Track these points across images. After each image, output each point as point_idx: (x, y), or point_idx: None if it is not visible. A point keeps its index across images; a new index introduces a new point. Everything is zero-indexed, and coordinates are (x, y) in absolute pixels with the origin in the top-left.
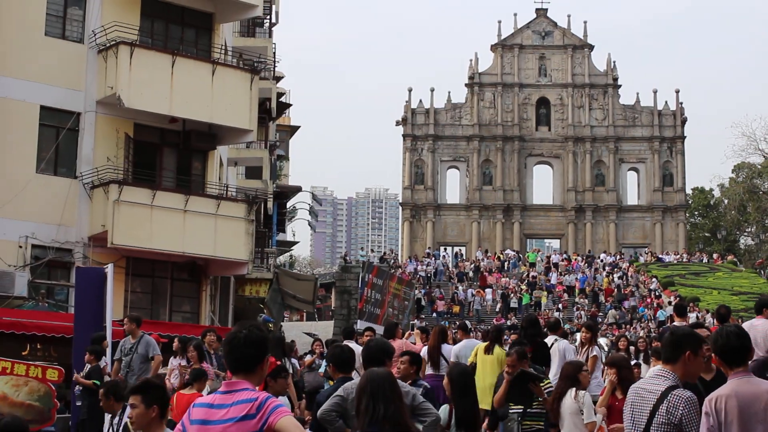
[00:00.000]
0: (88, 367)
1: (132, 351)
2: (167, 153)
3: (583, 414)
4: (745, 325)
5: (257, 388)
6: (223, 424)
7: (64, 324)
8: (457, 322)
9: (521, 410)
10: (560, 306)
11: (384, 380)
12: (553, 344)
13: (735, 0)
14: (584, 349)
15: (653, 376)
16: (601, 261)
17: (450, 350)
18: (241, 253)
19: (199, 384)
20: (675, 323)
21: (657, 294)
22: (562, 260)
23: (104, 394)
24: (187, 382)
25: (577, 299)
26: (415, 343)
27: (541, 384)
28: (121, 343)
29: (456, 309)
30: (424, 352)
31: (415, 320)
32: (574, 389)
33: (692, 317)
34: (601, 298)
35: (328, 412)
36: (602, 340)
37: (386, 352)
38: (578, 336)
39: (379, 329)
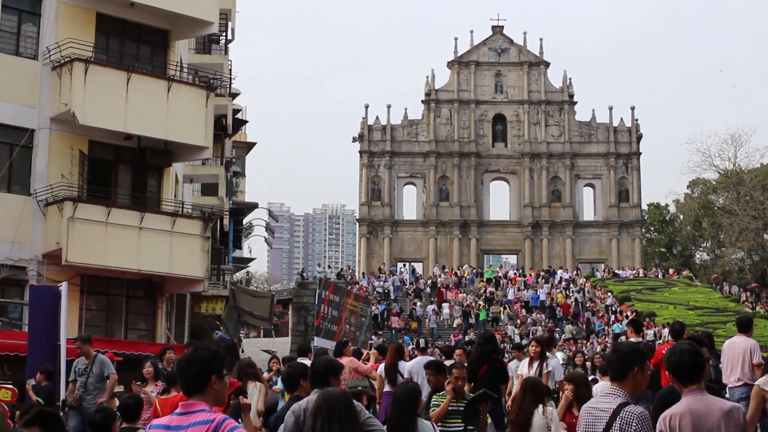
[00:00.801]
0: (36, 386)
1: (87, 371)
2: (122, 170)
3: (551, 430)
4: (726, 344)
5: (215, 408)
6: None
7: (17, 342)
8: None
9: (462, 429)
10: (518, 322)
11: (339, 401)
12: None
13: (688, 19)
14: (536, 363)
15: (603, 395)
16: (560, 277)
17: (403, 367)
18: (197, 270)
19: (177, 386)
20: (630, 339)
21: (613, 309)
22: (515, 275)
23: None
24: (164, 390)
25: (534, 315)
26: (368, 362)
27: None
28: (74, 364)
29: (414, 325)
30: (381, 369)
31: (373, 336)
32: (541, 406)
33: (649, 334)
34: (559, 314)
35: None
36: (559, 355)
37: (332, 370)
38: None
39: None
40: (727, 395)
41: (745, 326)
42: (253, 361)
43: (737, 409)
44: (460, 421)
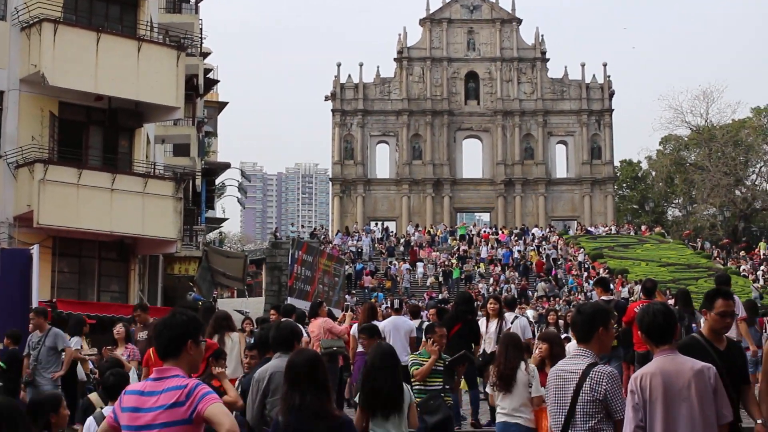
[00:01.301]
0: (2, 350)
1: (39, 344)
2: (93, 131)
3: (531, 387)
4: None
5: (192, 374)
6: (153, 412)
7: None
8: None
9: (441, 387)
10: (491, 280)
11: (302, 367)
12: (514, 321)
13: None
14: (494, 321)
15: (571, 357)
16: (533, 235)
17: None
18: (170, 231)
19: None
20: (602, 298)
21: (586, 266)
22: (486, 233)
23: None
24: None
25: (507, 273)
26: (343, 322)
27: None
28: (29, 338)
29: (388, 284)
30: (354, 330)
31: (347, 296)
32: (523, 362)
33: (624, 291)
34: (532, 271)
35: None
36: (530, 313)
37: (296, 333)
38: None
39: (308, 305)
40: None
41: (725, 284)
42: (228, 313)
43: (708, 368)
44: (440, 379)
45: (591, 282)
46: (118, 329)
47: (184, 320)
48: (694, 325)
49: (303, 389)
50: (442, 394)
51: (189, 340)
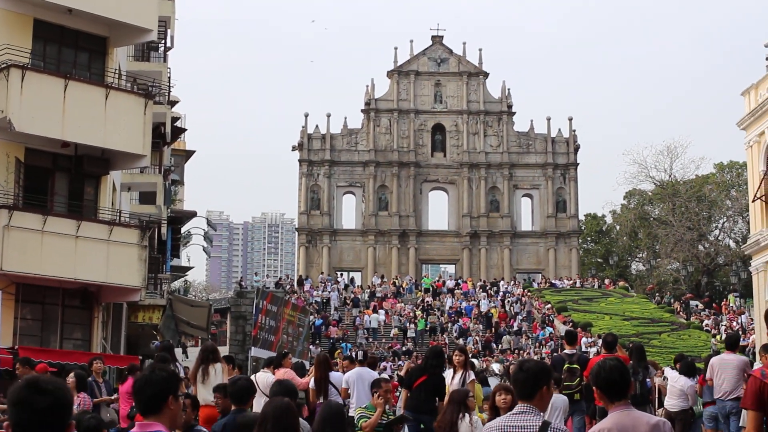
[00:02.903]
0: None
1: None
2: (59, 178)
3: None
4: (715, 360)
5: (173, 429)
6: None
7: None
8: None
9: None
10: (454, 332)
11: (271, 414)
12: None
13: (627, 32)
14: (460, 373)
15: (518, 414)
16: (503, 291)
17: (340, 378)
18: (134, 279)
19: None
20: (566, 351)
21: (550, 319)
22: (440, 282)
23: None
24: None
25: (471, 325)
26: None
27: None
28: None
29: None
30: (312, 383)
31: (311, 347)
32: (467, 414)
33: (589, 342)
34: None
35: None
36: (496, 366)
37: (291, 392)
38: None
39: (272, 355)
40: (708, 408)
41: (734, 344)
42: (215, 346)
43: (663, 423)
44: None
45: (549, 329)
46: (69, 379)
47: (163, 377)
48: (648, 379)
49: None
50: None
51: (169, 396)
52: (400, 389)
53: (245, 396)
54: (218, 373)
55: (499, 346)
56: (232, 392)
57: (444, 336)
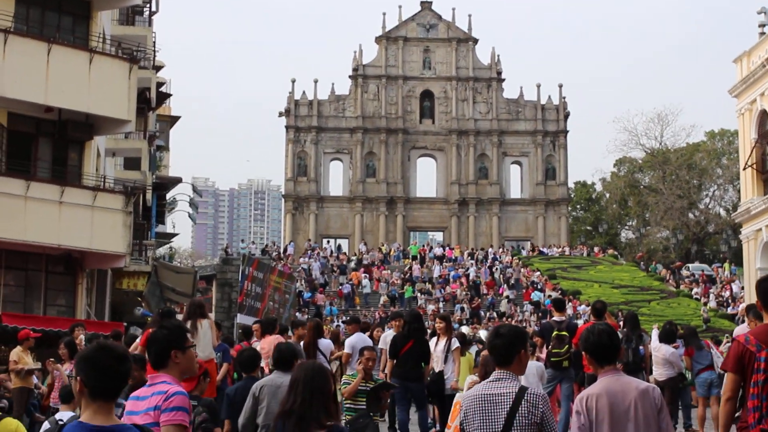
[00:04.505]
0: None
1: None
2: (42, 143)
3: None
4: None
5: (186, 378)
6: (140, 414)
7: None
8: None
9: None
10: (442, 299)
11: (301, 374)
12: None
13: None
14: (444, 340)
15: (494, 380)
16: (491, 258)
17: (327, 345)
18: (119, 245)
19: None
20: (554, 318)
21: (539, 287)
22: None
23: None
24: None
25: (458, 292)
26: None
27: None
28: None
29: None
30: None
31: (297, 314)
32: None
33: (579, 309)
34: (483, 291)
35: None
36: (483, 332)
37: (297, 354)
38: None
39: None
40: (652, 375)
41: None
42: (203, 302)
43: (653, 389)
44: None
45: (536, 293)
46: (62, 350)
47: (165, 333)
48: (641, 347)
49: (298, 395)
50: (371, 413)
51: (173, 350)
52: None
53: (253, 364)
54: (205, 329)
55: (490, 313)
56: (241, 361)
57: (431, 303)
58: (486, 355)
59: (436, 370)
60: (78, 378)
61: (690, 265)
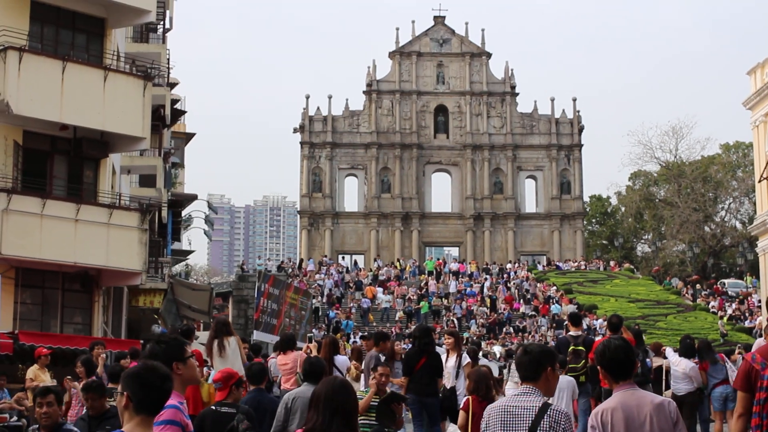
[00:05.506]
0: None
1: None
2: (58, 161)
3: None
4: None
5: (189, 387)
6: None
7: None
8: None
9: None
10: (459, 315)
11: (323, 391)
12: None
13: (630, 10)
14: (454, 356)
15: (521, 394)
16: (506, 273)
17: (343, 361)
18: (135, 263)
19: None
20: (570, 333)
21: (555, 301)
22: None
23: None
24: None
25: (476, 308)
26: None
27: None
28: None
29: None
30: None
31: (313, 330)
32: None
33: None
34: (500, 307)
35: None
36: (497, 349)
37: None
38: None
39: (274, 339)
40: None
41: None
42: (228, 320)
43: (668, 403)
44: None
45: (556, 306)
46: (79, 369)
47: (163, 348)
48: (648, 360)
49: (320, 413)
50: (386, 429)
51: (173, 363)
52: None
53: (261, 377)
54: (233, 346)
55: (507, 328)
56: (250, 375)
57: (447, 319)
58: (476, 369)
59: (448, 386)
60: (124, 393)
61: (725, 281)
